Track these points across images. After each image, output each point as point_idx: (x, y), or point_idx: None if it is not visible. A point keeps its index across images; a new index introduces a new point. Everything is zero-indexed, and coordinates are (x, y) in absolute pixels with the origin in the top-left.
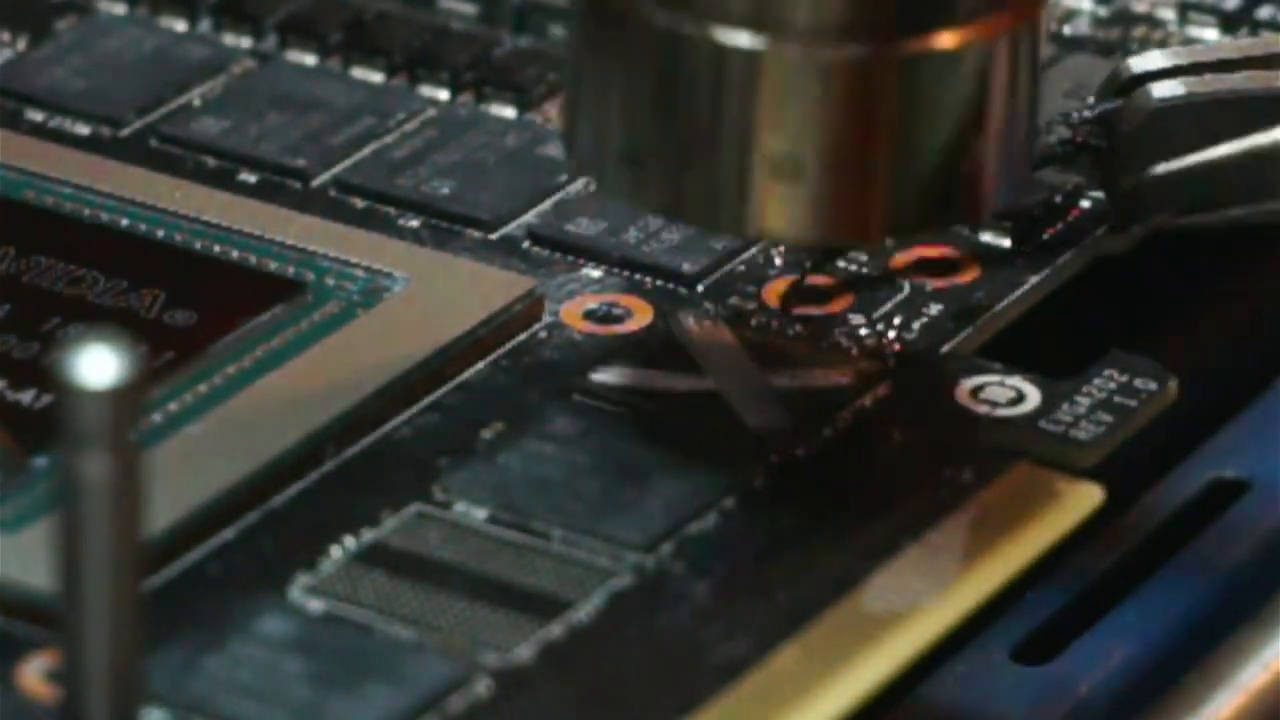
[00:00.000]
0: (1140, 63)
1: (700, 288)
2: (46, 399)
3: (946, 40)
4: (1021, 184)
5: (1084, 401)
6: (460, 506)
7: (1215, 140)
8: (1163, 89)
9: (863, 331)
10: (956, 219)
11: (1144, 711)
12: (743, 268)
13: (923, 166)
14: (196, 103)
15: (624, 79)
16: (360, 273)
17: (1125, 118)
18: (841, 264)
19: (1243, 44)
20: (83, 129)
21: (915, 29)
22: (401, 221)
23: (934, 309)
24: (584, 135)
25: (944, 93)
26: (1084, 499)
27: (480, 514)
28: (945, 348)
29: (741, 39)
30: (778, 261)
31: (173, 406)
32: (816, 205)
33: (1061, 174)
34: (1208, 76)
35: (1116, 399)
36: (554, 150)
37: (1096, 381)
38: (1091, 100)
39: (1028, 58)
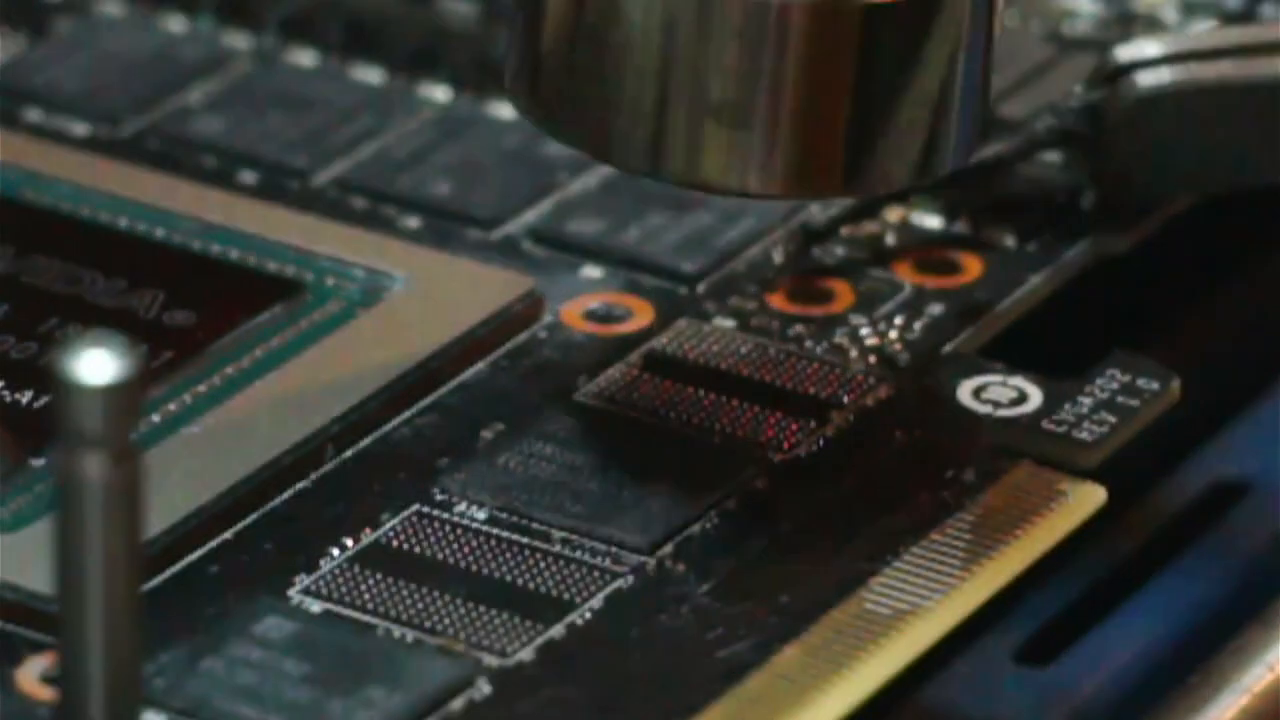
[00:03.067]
0: (1128, 51)
1: (701, 287)
2: (45, 399)
3: None
4: (977, 145)
5: (1086, 401)
6: (460, 507)
7: (1201, 129)
8: (1148, 78)
9: (863, 331)
10: (917, 178)
11: (1147, 713)
12: (743, 267)
13: (884, 120)
14: (196, 102)
15: (571, 20)
16: (360, 272)
17: (1111, 106)
18: (840, 263)
19: (1233, 33)
20: (82, 128)
21: None
22: (401, 221)
23: (935, 309)
24: (530, 74)
25: (903, 44)
26: (1086, 499)
27: (480, 515)
28: (947, 348)
29: None
30: (778, 259)
31: (172, 407)
32: (775, 157)
33: (1063, 173)
34: (1194, 65)
35: (1119, 399)
36: (554, 150)
37: (1099, 381)
38: (1079, 89)
39: (985, 10)
